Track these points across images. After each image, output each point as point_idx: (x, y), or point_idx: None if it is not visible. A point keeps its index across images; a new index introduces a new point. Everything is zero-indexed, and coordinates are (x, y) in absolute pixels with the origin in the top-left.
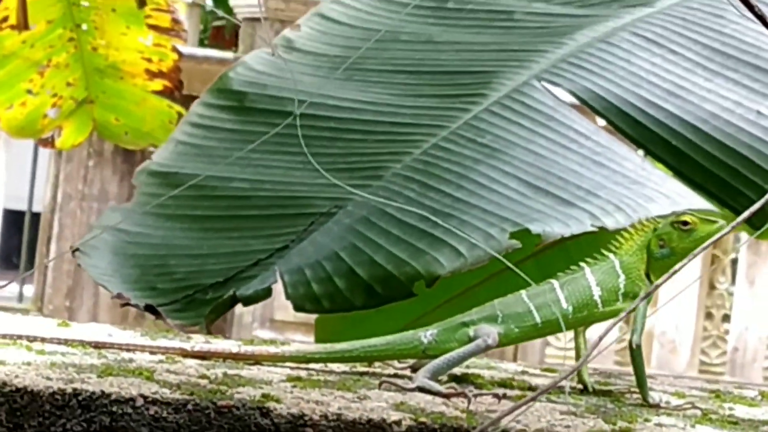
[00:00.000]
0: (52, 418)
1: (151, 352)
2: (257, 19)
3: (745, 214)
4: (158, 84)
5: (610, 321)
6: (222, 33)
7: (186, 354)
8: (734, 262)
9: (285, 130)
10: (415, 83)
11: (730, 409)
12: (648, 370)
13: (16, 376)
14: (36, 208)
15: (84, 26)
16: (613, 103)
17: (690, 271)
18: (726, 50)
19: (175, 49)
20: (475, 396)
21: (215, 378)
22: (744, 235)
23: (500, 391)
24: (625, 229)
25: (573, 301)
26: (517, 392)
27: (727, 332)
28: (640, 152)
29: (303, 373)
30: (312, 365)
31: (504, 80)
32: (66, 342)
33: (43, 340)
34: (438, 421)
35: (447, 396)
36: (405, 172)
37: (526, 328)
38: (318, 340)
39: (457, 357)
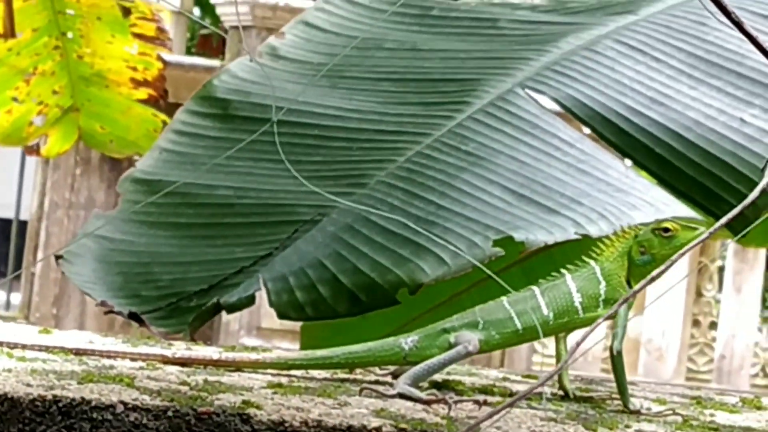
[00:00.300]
0: (32, 425)
1: (132, 359)
2: (244, 27)
3: (723, 219)
4: (143, 93)
5: (590, 327)
6: (209, 41)
7: (167, 361)
8: (721, 269)
9: (269, 138)
10: (400, 91)
11: (711, 415)
12: (635, 378)
13: None
14: (23, 216)
15: (70, 34)
16: (597, 110)
17: (676, 278)
18: (710, 58)
19: (160, 58)
20: (456, 402)
21: (196, 384)
22: (730, 242)
23: (481, 397)
24: (606, 236)
25: (554, 308)
26: (498, 399)
27: (714, 339)
28: (628, 162)
29: (284, 380)
30: (293, 372)
31: (488, 88)
32: (47, 349)
33: (24, 347)
34: (418, 427)
35: (427, 402)
36: (389, 180)
37: (507, 334)
38: (303, 348)
39: (438, 363)
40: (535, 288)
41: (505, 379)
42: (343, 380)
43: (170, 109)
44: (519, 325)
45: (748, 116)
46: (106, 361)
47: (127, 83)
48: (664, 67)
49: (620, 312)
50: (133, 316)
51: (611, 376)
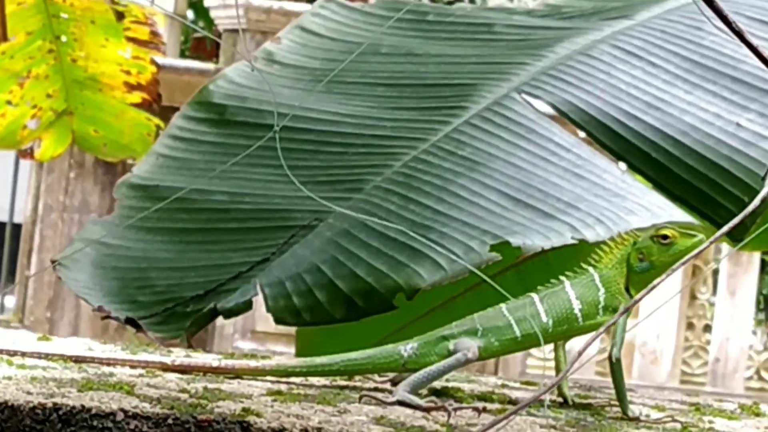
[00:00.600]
0: None
1: (132, 366)
2: (238, 31)
3: (725, 228)
4: (137, 96)
5: (591, 334)
6: (203, 44)
7: (166, 368)
8: (715, 272)
9: (265, 143)
10: (396, 96)
11: (710, 422)
12: (629, 381)
13: None
14: (17, 220)
15: (63, 38)
16: (593, 115)
17: (671, 282)
18: (705, 62)
19: (153, 62)
20: (455, 410)
21: (196, 392)
22: (725, 246)
23: (480, 404)
24: (604, 243)
25: (553, 315)
26: (497, 405)
27: (708, 343)
28: (622, 165)
29: (283, 387)
30: (292, 379)
31: (484, 93)
32: (46, 356)
33: (23, 354)
34: None
35: (427, 410)
36: (385, 185)
37: (506, 341)
38: (299, 352)
39: (437, 371)
40: (534, 295)
41: (504, 386)
42: (342, 387)
43: (164, 113)
44: (518, 333)
45: (744, 121)
46: (106, 369)
47: (121, 87)
48: (660, 71)
49: (619, 320)
50: (129, 322)
51: (606, 379)
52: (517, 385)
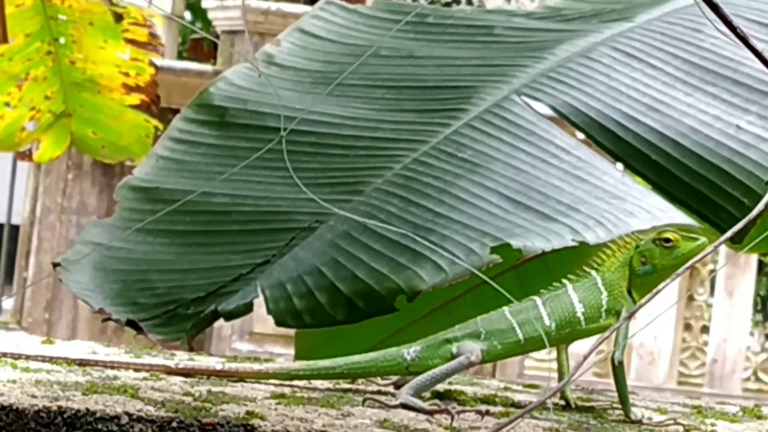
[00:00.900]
0: None
1: (136, 370)
2: (236, 32)
3: (729, 232)
4: (135, 98)
5: (595, 338)
6: (201, 45)
7: (170, 371)
8: (713, 273)
9: (265, 146)
10: (396, 98)
11: (712, 425)
12: (627, 386)
13: (1, 394)
14: (15, 221)
15: (62, 40)
16: (593, 117)
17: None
18: (705, 65)
19: (152, 64)
20: (458, 413)
21: (200, 395)
22: (724, 248)
23: (483, 407)
24: (607, 246)
25: (556, 318)
26: (500, 409)
27: (706, 344)
28: (619, 166)
29: (287, 390)
30: (296, 382)
31: (484, 95)
32: (50, 359)
33: (27, 357)
34: None
35: (430, 413)
36: (386, 187)
37: (509, 344)
38: (298, 353)
39: (441, 374)
40: (536, 298)
41: (506, 389)
42: (345, 390)
43: (161, 114)
44: (521, 336)
45: (744, 123)
46: (110, 372)
47: (120, 88)
48: (660, 74)
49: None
50: (130, 324)
51: (604, 380)
52: (520, 388)
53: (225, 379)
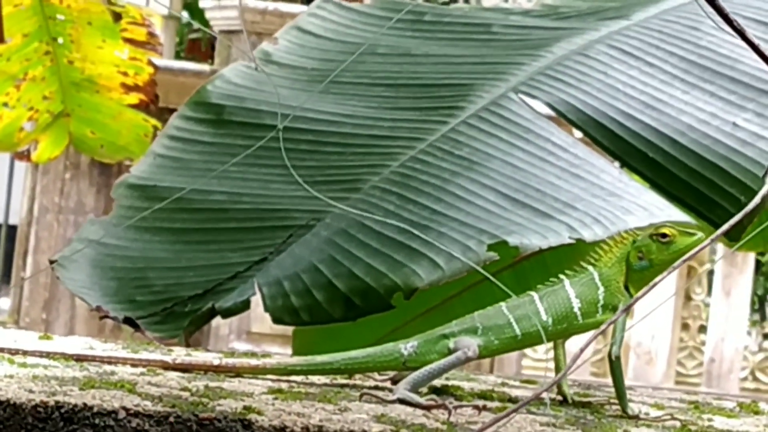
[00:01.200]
0: (34, 431)
1: (133, 365)
2: (234, 32)
3: (724, 227)
4: (134, 97)
5: (591, 333)
6: (198, 45)
7: (167, 367)
8: (710, 273)
9: (263, 143)
10: (393, 96)
11: (709, 420)
12: (625, 382)
13: None
14: (12, 221)
15: (60, 40)
16: (590, 115)
17: (666, 283)
18: (702, 62)
19: (150, 63)
20: (456, 408)
21: (197, 390)
22: (720, 247)
23: (480, 402)
24: (604, 241)
25: (553, 313)
26: (497, 404)
27: (703, 343)
28: (617, 164)
29: (284, 386)
30: (293, 377)
31: (481, 93)
32: (48, 355)
33: (24, 353)
34: None
35: (427, 408)
36: (383, 185)
37: (506, 340)
38: (296, 352)
39: (438, 369)
40: (533, 293)
41: (503, 384)
42: (342, 386)
43: (159, 114)
44: (518, 331)
45: (741, 120)
46: (107, 367)
47: (118, 88)
48: (657, 71)
49: (619, 318)
50: (128, 321)
51: (604, 380)
52: (517, 383)
53: (222, 375)
